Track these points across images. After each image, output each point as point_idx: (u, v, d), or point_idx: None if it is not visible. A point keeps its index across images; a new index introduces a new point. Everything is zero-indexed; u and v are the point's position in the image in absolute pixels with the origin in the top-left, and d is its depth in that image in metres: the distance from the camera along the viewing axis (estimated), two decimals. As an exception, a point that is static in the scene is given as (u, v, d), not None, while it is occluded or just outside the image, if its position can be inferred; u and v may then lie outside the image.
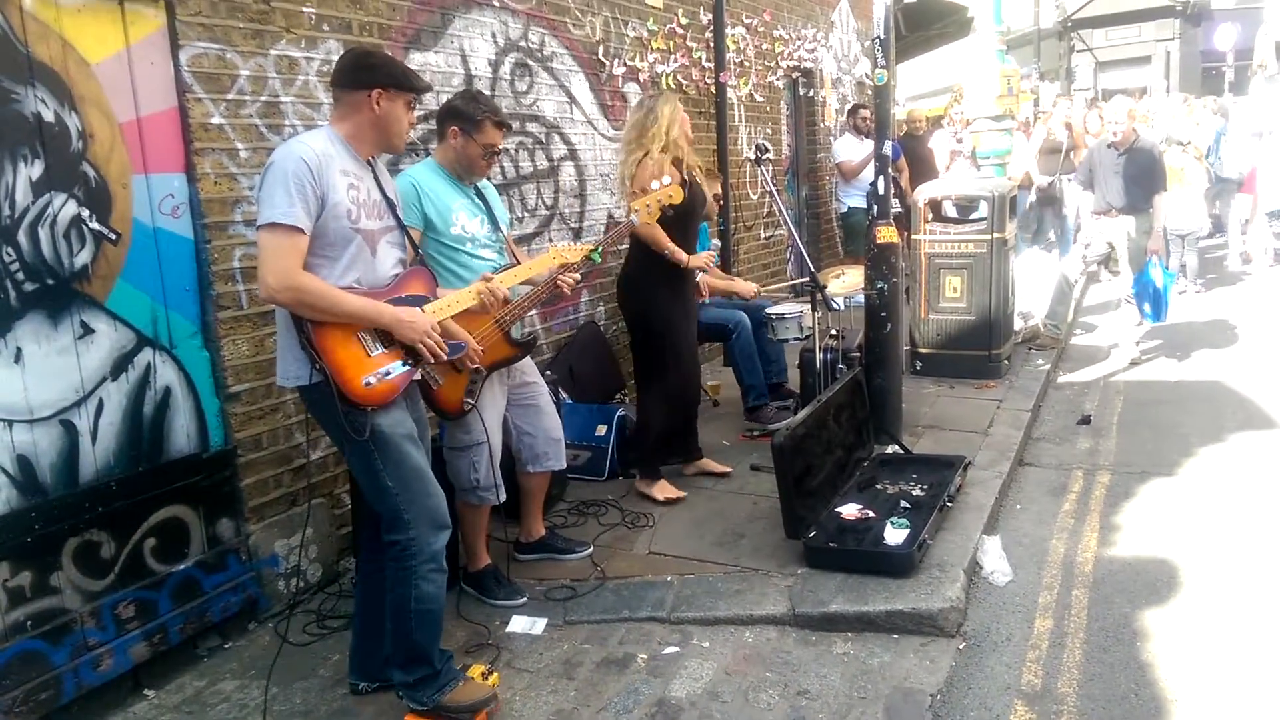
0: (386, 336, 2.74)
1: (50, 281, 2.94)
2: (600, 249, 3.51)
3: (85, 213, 3.04)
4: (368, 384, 2.67)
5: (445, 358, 2.85)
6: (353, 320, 2.66)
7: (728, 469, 4.83)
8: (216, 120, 3.46)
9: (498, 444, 3.54)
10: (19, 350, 2.84)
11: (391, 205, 2.89)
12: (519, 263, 3.55)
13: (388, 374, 2.71)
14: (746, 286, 5.56)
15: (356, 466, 2.86)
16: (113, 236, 3.13)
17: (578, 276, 3.48)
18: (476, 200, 3.53)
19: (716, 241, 5.77)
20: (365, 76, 2.74)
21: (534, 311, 5.32)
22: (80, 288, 3.03)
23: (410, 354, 2.78)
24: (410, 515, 2.78)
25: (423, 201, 3.34)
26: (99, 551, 3.06)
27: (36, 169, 2.89)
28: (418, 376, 2.89)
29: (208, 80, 3.42)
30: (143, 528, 3.20)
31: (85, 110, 3.03)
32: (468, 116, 3.38)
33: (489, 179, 3.73)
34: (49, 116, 2.92)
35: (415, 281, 2.89)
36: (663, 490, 4.55)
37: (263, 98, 3.64)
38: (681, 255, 4.28)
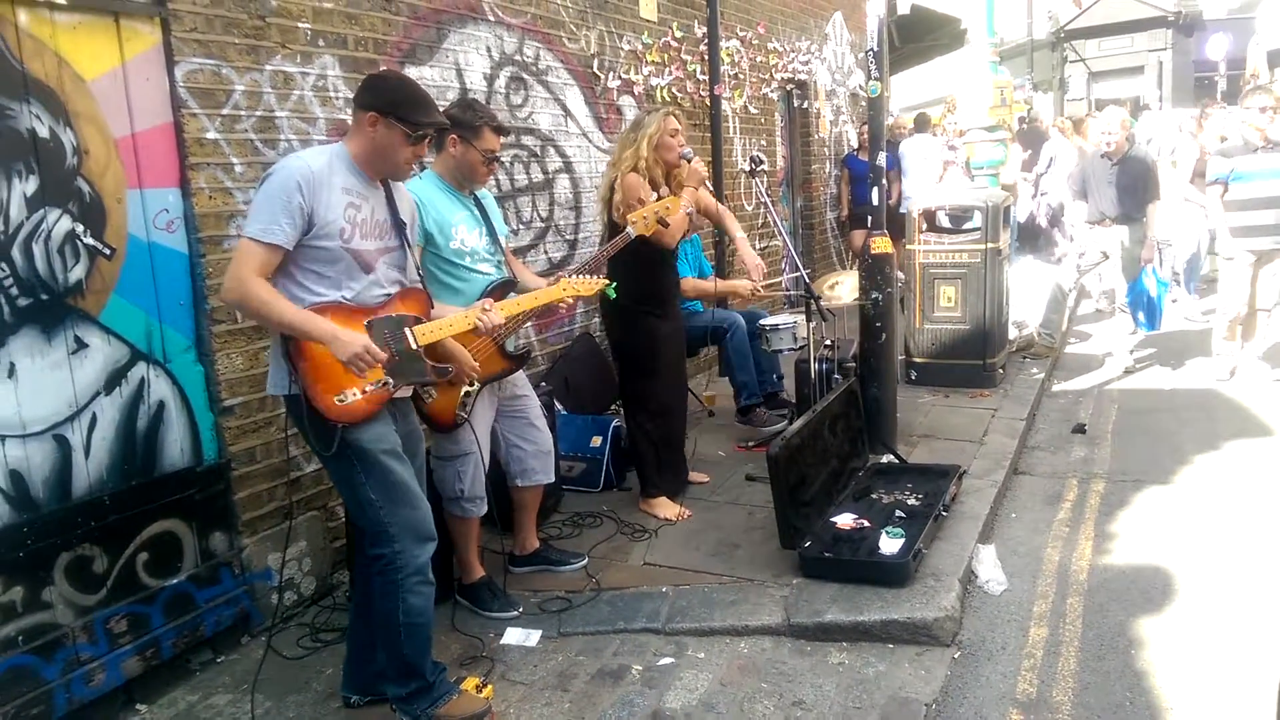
0: None
1: (44, 296, 2.95)
2: (615, 285, 3.45)
3: (80, 228, 3.05)
4: (340, 400, 2.65)
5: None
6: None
7: (705, 478, 4.85)
8: (211, 135, 3.48)
9: (486, 455, 3.55)
10: (12, 365, 2.84)
11: (400, 227, 2.87)
12: (515, 275, 3.56)
13: (360, 394, 2.69)
14: (742, 284, 5.50)
15: (338, 480, 2.85)
16: (107, 251, 3.14)
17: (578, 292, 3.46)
18: (476, 212, 3.53)
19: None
20: (365, 97, 2.74)
21: (530, 323, 5.35)
22: (74, 302, 3.04)
23: (390, 374, 2.75)
24: (394, 529, 2.77)
25: (424, 216, 3.33)
26: (91, 566, 3.06)
27: (31, 184, 2.90)
28: (405, 393, 2.87)
29: (203, 96, 3.44)
30: (135, 542, 3.20)
31: (80, 126, 3.04)
32: (466, 124, 3.38)
33: (488, 189, 3.73)
34: (44, 132, 2.93)
35: (407, 301, 2.86)
36: (663, 508, 4.54)
37: (258, 113, 3.65)
38: (681, 212, 4.15)
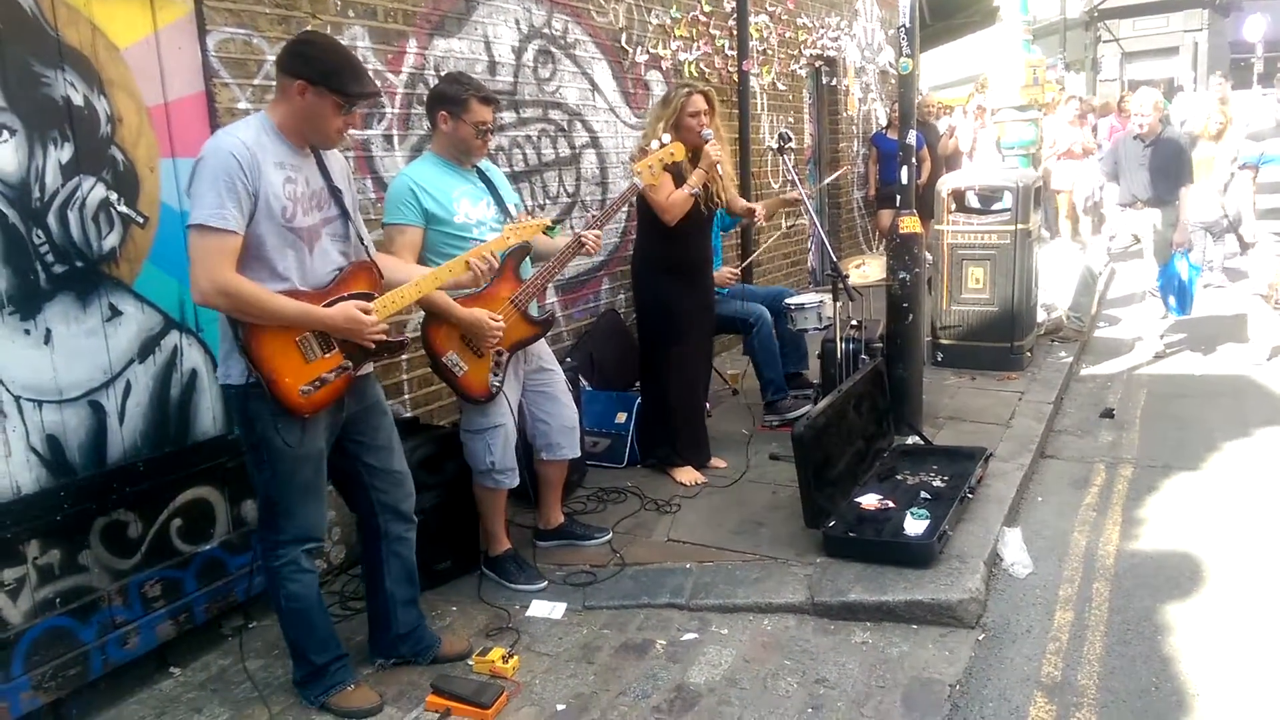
0: (326, 339, 2.69)
1: (79, 264, 2.96)
2: (557, 226, 3.41)
3: (113, 196, 3.06)
4: (305, 392, 2.63)
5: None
6: (289, 325, 2.61)
7: (723, 463, 4.82)
8: (243, 105, 3.48)
9: (514, 427, 3.57)
10: (49, 331, 2.87)
11: (336, 193, 2.78)
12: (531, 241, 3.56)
13: (324, 381, 2.67)
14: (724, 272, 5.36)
15: (250, 463, 2.83)
16: (140, 220, 3.15)
17: (598, 233, 3.56)
18: (480, 184, 3.52)
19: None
20: (293, 64, 2.61)
21: (555, 299, 5.36)
22: (108, 270, 3.05)
23: (350, 357, 2.73)
24: (283, 523, 2.79)
25: (420, 198, 3.33)
26: (126, 531, 3.10)
27: (66, 152, 2.92)
28: (366, 369, 2.85)
29: (234, 65, 3.44)
30: (169, 508, 3.23)
31: (114, 94, 3.04)
32: (452, 98, 3.37)
33: (491, 160, 3.72)
34: (78, 100, 2.94)
35: (358, 278, 2.79)
36: (681, 474, 4.59)
37: (289, 83, 3.65)
38: (685, 192, 4.19)
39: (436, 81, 4.34)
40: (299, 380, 2.62)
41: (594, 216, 3.61)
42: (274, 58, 3.52)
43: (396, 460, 3.05)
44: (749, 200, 7.29)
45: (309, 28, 3.71)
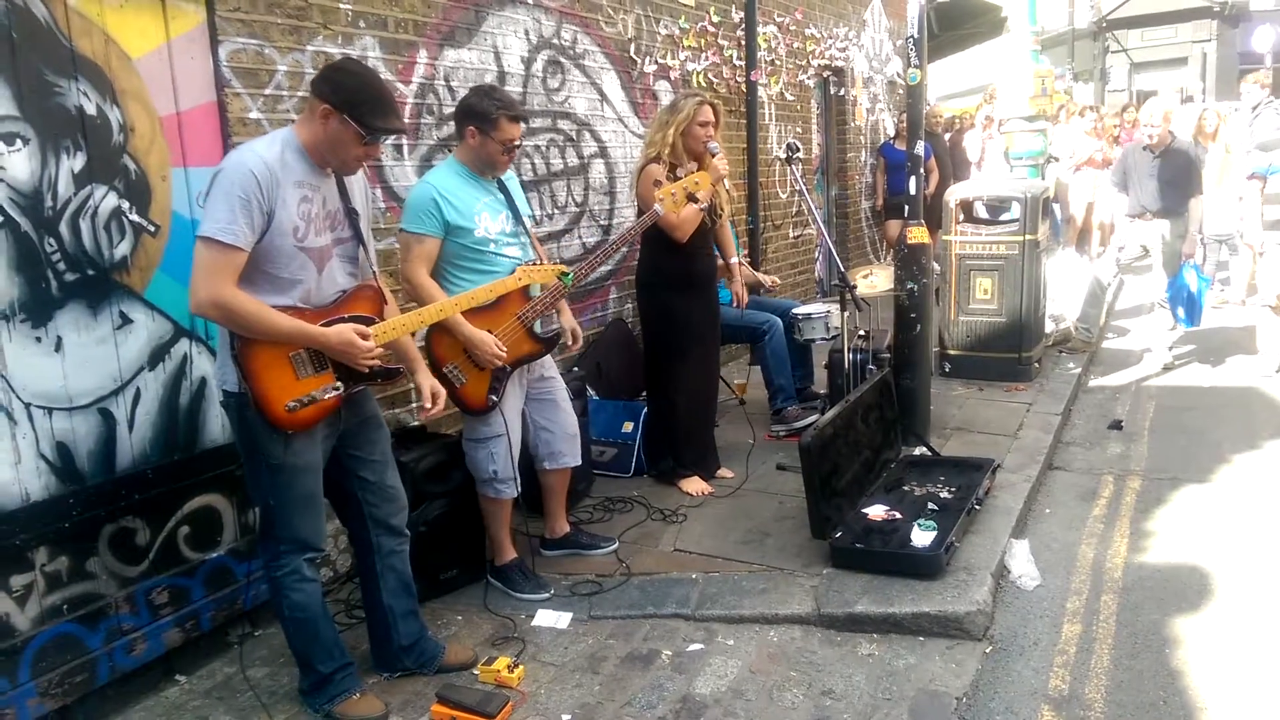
0: (320, 358, 2.69)
1: (90, 272, 2.98)
2: (572, 274, 3.42)
3: (125, 205, 3.08)
4: (290, 409, 2.63)
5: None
6: (285, 342, 2.62)
7: (730, 473, 4.82)
8: (254, 115, 3.50)
9: (517, 437, 3.57)
10: (59, 339, 2.88)
11: (352, 215, 2.79)
12: (541, 258, 3.56)
13: (312, 400, 2.67)
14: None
15: (248, 473, 2.84)
16: (152, 229, 3.17)
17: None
18: (499, 195, 3.53)
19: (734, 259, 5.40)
20: (323, 88, 2.61)
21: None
22: (119, 278, 3.07)
23: (342, 378, 2.73)
24: (283, 533, 2.80)
25: (443, 209, 3.34)
26: (134, 538, 3.11)
27: (79, 161, 2.94)
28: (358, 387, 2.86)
29: (246, 75, 3.46)
30: (177, 515, 3.24)
31: (126, 104, 3.07)
32: (482, 114, 3.36)
33: (514, 172, 3.73)
34: (91, 109, 2.96)
35: (361, 301, 2.80)
36: (689, 484, 4.59)
37: (299, 93, 3.67)
38: (694, 208, 4.14)
39: (451, 92, 4.38)
40: (286, 395, 2.62)
41: (611, 244, 3.59)
42: (285, 68, 3.59)
43: (390, 475, 3.05)
44: (759, 206, 7.34)
45: (320, 37, 3.74)
